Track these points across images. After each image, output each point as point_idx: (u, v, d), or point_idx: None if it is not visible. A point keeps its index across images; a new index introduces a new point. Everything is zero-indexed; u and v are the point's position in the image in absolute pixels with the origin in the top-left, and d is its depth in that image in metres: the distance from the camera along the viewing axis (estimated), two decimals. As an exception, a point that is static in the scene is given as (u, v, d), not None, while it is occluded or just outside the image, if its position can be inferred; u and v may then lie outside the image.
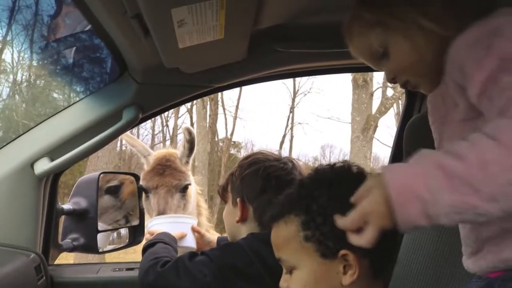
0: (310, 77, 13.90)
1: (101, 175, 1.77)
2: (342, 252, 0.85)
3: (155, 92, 1.42)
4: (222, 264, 1.21)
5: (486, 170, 0.63)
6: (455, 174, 0.64)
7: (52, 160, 1.39)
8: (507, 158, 0.62)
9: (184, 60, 1.26)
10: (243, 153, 14.89)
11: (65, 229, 1.68)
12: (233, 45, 1.27)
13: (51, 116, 1.43)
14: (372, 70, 1.19)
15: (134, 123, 1.39)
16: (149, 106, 1.43)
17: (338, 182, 0.90)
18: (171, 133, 15.13)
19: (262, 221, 1.27)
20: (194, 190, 2.12)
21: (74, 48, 1.60)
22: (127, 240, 1.92)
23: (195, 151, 2.14)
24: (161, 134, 15.53)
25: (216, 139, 13.72)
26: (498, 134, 0.64)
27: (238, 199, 1.33)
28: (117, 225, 2.04)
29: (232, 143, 14.60)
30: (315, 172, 0.97)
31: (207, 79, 1.43)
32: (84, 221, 1.65)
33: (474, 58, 0.74)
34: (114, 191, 2.02)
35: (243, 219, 1.33)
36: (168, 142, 15.21)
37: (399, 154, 1.62)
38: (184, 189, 2.03)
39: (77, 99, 1.49)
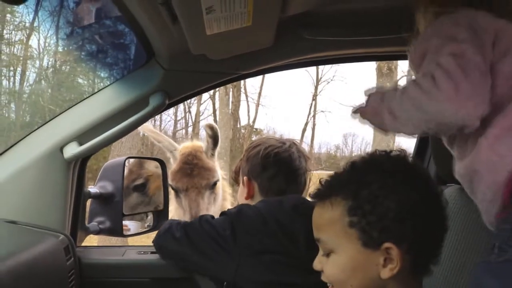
0: (334, 64, 13.83)
1: (127, 160, 1.80)
2: (386, 244, 0.83)
3: (182, 79, 1.43)
4: (239, 221, 1.29)
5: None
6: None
7: (80, 144, 1.42)
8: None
9: (211, 47, 1.27)
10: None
11: (91, 212, 1.71)
12: (260, 32, 1.27)
13: (79, 102, 1.46)
14: (397, 58, 1.22)
15: (161, 109, 1.41)
16: (175, 92, 1.45)
17: (393, 171, 0.87)
18: (193, 119, 15.20)
19: (267, 195, 1.40)
20: (220, 178, 2.15)
21: (101, 34, 1.62)
22: (151, 225, 1.95)
23: (219, 144, 2.17)
24: (183, 120, 15.61)
25: (238, 126, 13.73)
26: None
27: (244, 178, 1.44)
28: (142, 209, 2.09)
29: (254, 130, 14.58)
30: (370, 157, 0.93)
31: (234, 66, 1.44)
32: (110, 204, 1.68)
33: None
34: (140, 188, 2.06)
35: (250, 195, 1.43)
36: (190, 129, 15.29)
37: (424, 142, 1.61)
38: (213, 186, 2.09)
39: (102, 84, 1.51)
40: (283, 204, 1.31)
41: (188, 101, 14.38)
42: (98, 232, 1.69)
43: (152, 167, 2.08)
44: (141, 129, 2.31)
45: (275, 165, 1.40)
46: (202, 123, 14.77)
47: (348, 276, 0.87)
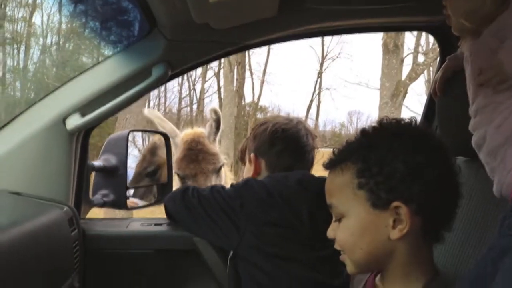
0: (339, 41, 13.70)
1: (131, 133, 1.79)
2: (395, 204, 0.83)
3: (185, 49, 1.41)
4: (246, 192, 1.31)
5: None
6: None
7: (83, 116, 1.41)
8: None
9: (214, 15, 1.24)
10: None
11: (95, 185, 1.71)
12: (263, 1, 1.24)
13: (82, 73, 1.44)
14: (403, 29, 1.20)
15: (163, 80, 1.39)
16: (178, 62, 1.43)
17: (400, 135, 0.89)
18: (198, 97, 15.16)
19: (274, 172, 1.41)
20: (224, 171, 2.18)
21: (103, 7, 1.60)
22: (155, 198, 1.96)
23: (221, 129, 2.20)
24: (188, 98, 15.58)
25: (243, 103, 13.69)
26: None
27: (251, 155, 1.44)
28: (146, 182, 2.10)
29: (259, 107, 14.55)
30: (379, 124, 0.94)
31: (237, 36, 1.41)
32: (114, 177, 1.68)
33: None
34: (152, 175, 2.07)
35: (257, 173, 1.44)
36: (195, 106, 15.27)
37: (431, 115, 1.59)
38: (218, 170, 2.12)
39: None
40: (288, 179, 1.32)
41: (193, 78, 14.34)
42: (102, 204, 1.69)
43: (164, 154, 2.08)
44: (148, 113, 2.31)
45: (283, 141, 1.41)
46: (207, 101, 14.74)
47: (358, 239, 0.88)
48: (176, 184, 2.09)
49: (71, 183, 1.48)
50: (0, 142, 1.42)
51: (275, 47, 13.88)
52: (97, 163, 1.68)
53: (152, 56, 1.38)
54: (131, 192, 1.95)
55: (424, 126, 0.96)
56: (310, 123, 15.04)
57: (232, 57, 11.01)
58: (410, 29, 1.13)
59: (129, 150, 1.84)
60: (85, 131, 1.52)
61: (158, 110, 14.53)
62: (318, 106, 15.23)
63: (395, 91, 8.10)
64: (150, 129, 2.20)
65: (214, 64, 13.15)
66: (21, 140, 1.41)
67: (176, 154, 2.17)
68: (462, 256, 1.10)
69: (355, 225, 0.88)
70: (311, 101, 14.99)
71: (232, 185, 1.38)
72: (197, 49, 1.42)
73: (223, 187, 1.39)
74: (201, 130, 2.20)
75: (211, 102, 14.76)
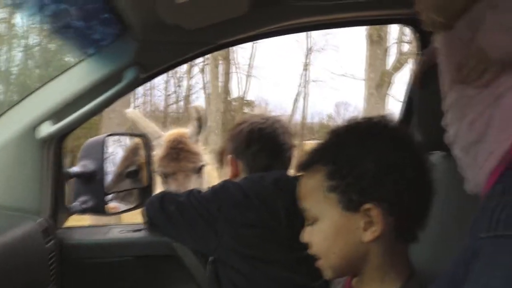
0: (325, 33, 13.69)
1: (108, 137, 1.75)
2: (366, 206, 0.81)
3: (157, 51, 1.37)
4: (222, 195, 1.30)
5: None
6: None
7: (55, 123, 1.37)
8: None
9: (183, 16, 1.21)
10: (257, 112, 14.83)
11: (75, 192, 1.67)
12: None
13: (52, 79, 1.40)
14: (386, 23, 1.17)
15: (134, 84, 1.35)
16: (151, 65, 1.39)
17: (371, 134, 0.86)
18: (184, 94, 15.08)
19: (252, 173, 1.38)
20: (205, 164, 2.16)
21: (73, 9, 1.55)
22: (136, 202, 1.92)
23: (204, 128, 2.16)
24: (174, 95, 15.49)
25: (229, 98, 13.64)
26: None
27: (229, 157, 1.42)
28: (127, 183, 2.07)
29: (246, 102, 14.50)
30: (349, 122, 0.92)
31: (210, 35, 1.37)
32: (92, 183, 1.64)
33: None
34: (133, 175, 2.03)
35: (235, 175, 1.42)
36: (182, 103, 15.20)
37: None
38: (199, 170, 2.09)
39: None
40: (264, 179, 1.31)
41: (178, 75, 14.26)
42: (81, 211, 1.65)
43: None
44: (131, 114, 2.28)
45: (259, 141, 1.39)
46: (194, 97, 14.67)
47: (331, 243, 0.86)
48: (157, 183, 2.07)
49: (45, 192, 1.44)
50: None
51: (260, 41, 13.81)
52: (74, 169, 1.64)
53: (123, 59, 1.34)
54: (111, 196, 1.91)
55: (396, 123, 0.93)
56: (298, 116, 15.05)
57: (217, 53, 10.96)
58: (393, 22, 1.10)
59: (115, 151, 1.81)
60: (59, 138, 1.48)
61: (145, 108, 14.46)
62: (305, 99, 15.23)
63: (380, 81, 8.11)
64: (128, 132, 2.16)
65: (199, 60, 13.08)
66: (-8, 150, 1.37)
67: (159, 152, 2.15)
68: (439, 254, 1.09)
69: (328, 229, 0.86)
70: (298, 94, 14.98)
71: (209, 188, 1.36)
72: (169, 50, 1.38)
73: (199, 191, 1.37)
74: (185, 131, 2.18)
75: (198, 99, 14.70)
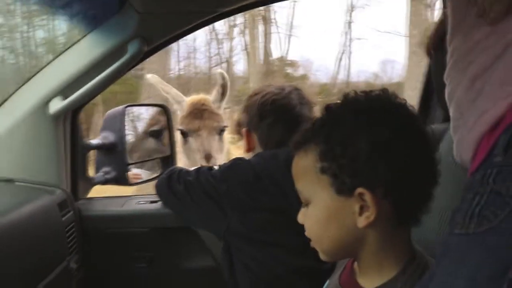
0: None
1: (127, 108, 1.77)
2: (359, 190, 0.74)
3: (159, 22, 1.34)
4: (232, 175, 1.26)
5: None
6: None
7: (64, 98, 1.40)
8: None
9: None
10: (301, 72, 14.62)
11: (97, 163, 1.71)
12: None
13: (59, 55, 1.41)
14: None
15: (139, 56, 1.34)
16: (153, 37, 1.37)
17: (366, 110, 0.78)
18: (226, 56, 15.03)
19: (267, 147, 1.33)
20: (226, 137, 2.16)
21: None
22: (158, 171, 1.95)
23: (227, 96, 2.18)
24: (217, 57, 15.47)
25: (270, 59, 13.45)
26: None
27: (243, 130, 1.36)
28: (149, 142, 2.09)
29: (288, 62, 14.28)
30: (344, 97, 0.83)
31: (212, 4, 1.33)
32: (113, 154, 1.67)
33: None
34: (156, 134, 2.05)
35: (250, 148, 1.36)
36: (224, 65, 15.17)
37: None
38: (221, 131, 2.11)
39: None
40: (277, 158, 1.25)
41: (221, 37, 14.18)
42: (104, 182, 1.70)
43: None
44: (151, 79, 2.29)
45: (273, 113, 1.31)
46: (236, 59, 14.59)
47: (324, 227, 0.80)
48: (178, 141, 2.11)
49: (63, 165, 1.48)
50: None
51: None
52: (94, 141, 1.67)
53: (126, 32, 1.33)
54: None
55: (398, 98, 0.85)
56: (342, 74, 14.73)
57: (256, 13, 10.76)
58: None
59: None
60: (73, 112, 1.51)
61: (189, 70, 14.53)
62: (349, 57, 14.82)
63: (423, 38, 7.71)
64: (148, 103, 2.17)
65: (239, 21, 12.92)
66: (8, 127, 1.42)
67: (181, 113, 2.18)
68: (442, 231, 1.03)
69: (320, 212, 0.80)
70: (342, 52, 14.60)
71: (219, 166, 1.33)
72: (171, 21, 1.35)
73: (209, 169, 1.33)
74: (207, 96, 2.19)
75: (240, 61, 14.60)
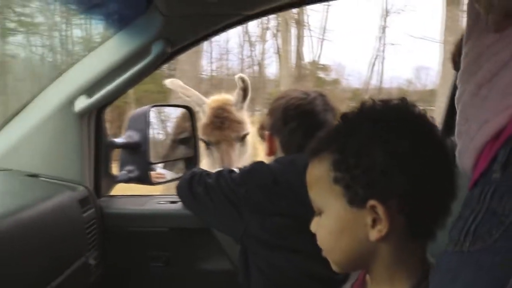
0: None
1: (152, 108, 1.79)
2: (371, 202, 0.73)
3: (183, 24, 1.35)
4: (251, 179, 1.26)
5: None
6: None
7: (90, 97, 1.43)
8: None
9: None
10: (333, 76, 14.54)
11: (121, 162, 1.74)
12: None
13: (85, 56, 1.45)
14: None
15: (162, 57, 1.36)
16: (178, 39, 1.38)
17: (383, 120, 0.76)
18: (258, 59, 15.07)
19: (288, 152, 1.32)
20: (249, 140, 2.15)
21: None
22: (182, 172, 1.96)
23: (249, 97, 2.15)
24: (249, 60, 15.53)
25: (302, 63, 13.42)
26: None
27: (266, 133, 1.36)
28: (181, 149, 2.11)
29: (320, 66, 14.21)
30: (361, 106, 0.81)
31: (236, 6, 1.33)
32: (137, 153, 1.70)
33: None
34: (187, 141, 2.07)
35: (272, 152, 1.36)
36: (256, 68, 15.23)
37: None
38: (243, 139, 2.09)
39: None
40: (296, 164, 1.24)
41: (253, 40, 14.23)
42: (128, 180, 1.72)
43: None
44: (171, 85, 2.29)
45: (296, 118, 1.30)
46: (268, 62, 14.62)
47: (335, 238, 0.79)
48: (202, 150, 2.10)
49: (86, 163, 1.51)
50: (16, 127, 1.47)
51: (333, 3, 13.35)
52: (119, 140, 1.70)
53: (150, 33, 1.35)
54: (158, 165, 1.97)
55: (417, 108, 0.82)
56: (375, 79, 14.57)
57: (289, 16, 10.76)
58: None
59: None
60: (98, 111, 1.53)
61: (221, 72, 14.63)
62: (382, 63, 14.65)
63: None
64: (173, 104, 2.18)
65: (272, 24, 12.95)
66: (35, 124, 1.45)
67: (203, 119, 2.16)
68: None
69: (332, 223, 0.79)
70: (375, 58, 14.44)
71: (239, 169, 1.33)
72: (195, 24, 1.36)
73: (229, 172, 1.33)
74: (229, 97, 2.17)
75: (272, 63, 14.62)
